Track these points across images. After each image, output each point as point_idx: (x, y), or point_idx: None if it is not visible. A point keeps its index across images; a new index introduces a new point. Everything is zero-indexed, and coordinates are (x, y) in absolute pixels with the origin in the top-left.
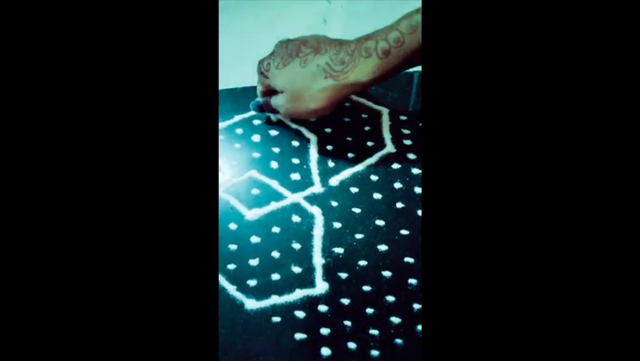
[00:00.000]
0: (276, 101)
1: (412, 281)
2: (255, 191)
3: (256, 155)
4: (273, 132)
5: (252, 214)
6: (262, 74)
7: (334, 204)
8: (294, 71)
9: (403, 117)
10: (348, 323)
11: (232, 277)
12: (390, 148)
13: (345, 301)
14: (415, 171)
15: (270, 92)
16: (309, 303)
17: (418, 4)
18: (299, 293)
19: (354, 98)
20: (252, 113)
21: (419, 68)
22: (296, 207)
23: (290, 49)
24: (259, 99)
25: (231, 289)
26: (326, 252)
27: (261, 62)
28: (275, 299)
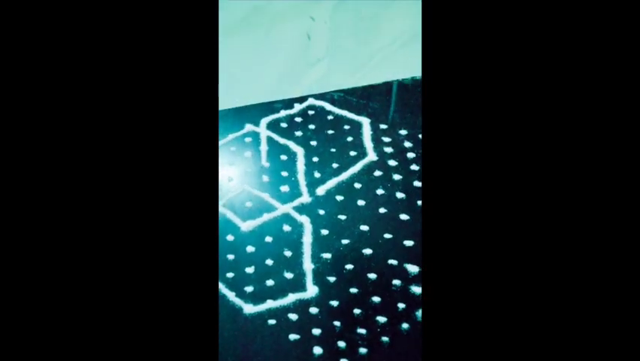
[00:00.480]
0: None
1: (396, 282)
2: (249, 204)
3: (248, 170)
4: (263, 148)
5: (247, 226)
6: None
7: (321, 212)
8: None
9: (383, 126)
10: (337, 323)
11: (231, 285)
12: (372, 157)
13: (334, 303)
14: (396, 177)
15: None
16: (301, 306)
17: (397, 19)
18: (292, 297)
19: (337, 110)
20: (244, 131)
21: (399, 77)
22: (286, 217)
23: None
24: None
25: (231, 296)
26: (315, 258)
27: None
28: (270, 303)
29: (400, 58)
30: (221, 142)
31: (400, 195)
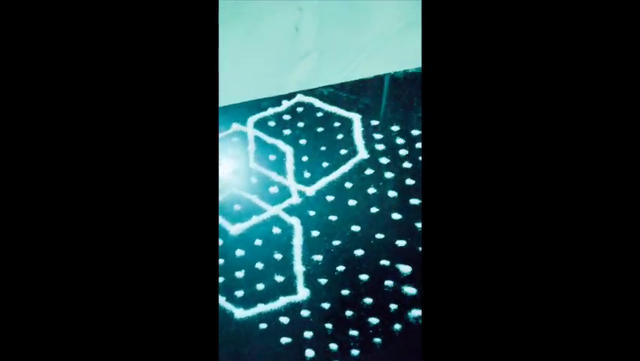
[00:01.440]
0: None
1: (388, 283)
2: (237, 207)
3: (236, 171)
4: (251, 148)
5: (236, 229)
6: None
7: (312, 213)
8: None
9: (374, 122)
10: (329, 325)
11: (221, 289)
12: (363, 155)
13: (326, 305)
14: (388, 175)
15: None
16: (292, 309)
17: (389, 9)
18: (282, 300)
19: (327, 107)
20: (231, 130)
21: (391, 70)
22: (276, 220)
23: None
24: None
25: (221, 301)
26: (306, 260)
27: None
28: (261, 307)
29: (392, 50)
30: None
31: (392, 193)
